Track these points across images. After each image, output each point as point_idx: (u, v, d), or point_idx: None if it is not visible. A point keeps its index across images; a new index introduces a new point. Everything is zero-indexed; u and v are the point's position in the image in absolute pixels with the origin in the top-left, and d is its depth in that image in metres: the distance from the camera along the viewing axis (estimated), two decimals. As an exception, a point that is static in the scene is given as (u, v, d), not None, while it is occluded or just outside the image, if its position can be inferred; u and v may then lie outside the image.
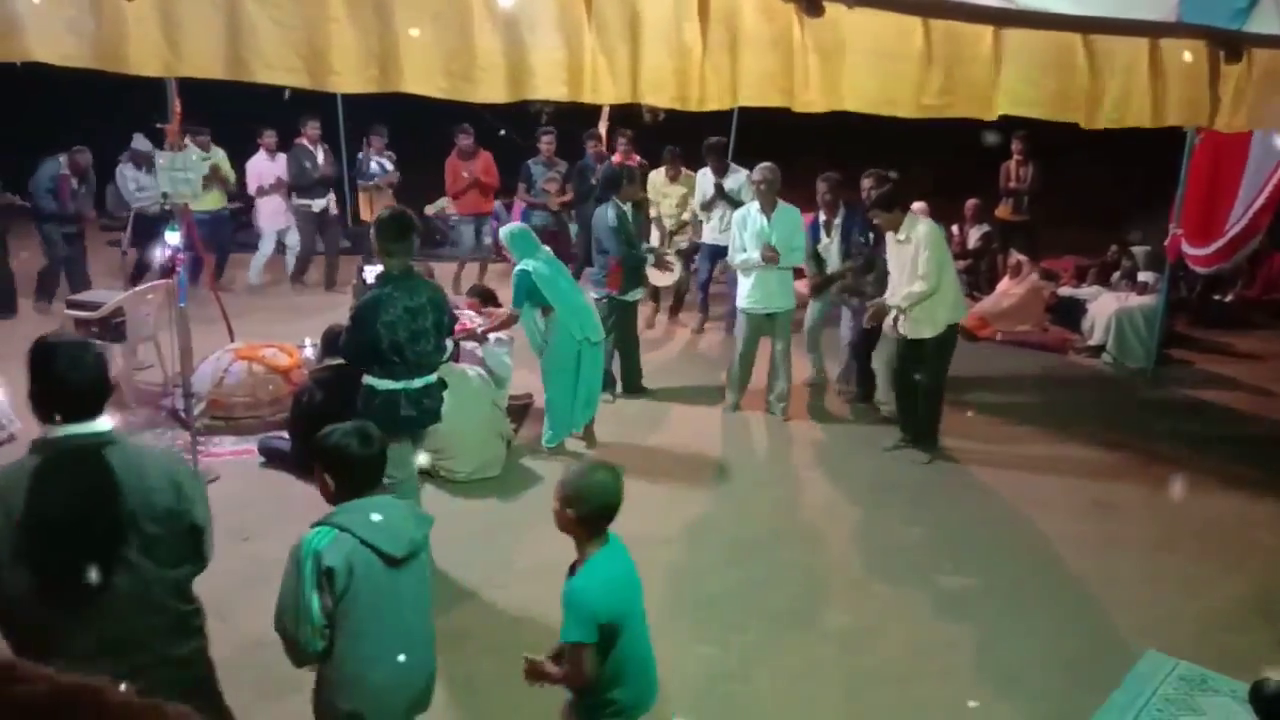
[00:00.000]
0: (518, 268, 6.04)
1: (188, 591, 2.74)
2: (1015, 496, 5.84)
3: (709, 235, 8.79)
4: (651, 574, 4.78)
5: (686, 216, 9.27)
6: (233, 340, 7.05)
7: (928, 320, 6.01)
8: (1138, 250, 9.64)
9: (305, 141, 10.08)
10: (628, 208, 7.03)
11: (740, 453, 6.41)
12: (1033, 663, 4.16)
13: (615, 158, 9.55)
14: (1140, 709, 3.85)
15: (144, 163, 9.68)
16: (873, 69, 5.17)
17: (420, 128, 10.04)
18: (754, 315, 6.86)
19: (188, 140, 7.19)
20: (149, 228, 9.94)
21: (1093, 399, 7.90)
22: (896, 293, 6.10)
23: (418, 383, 4.45)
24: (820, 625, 4.43)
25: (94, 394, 2.46)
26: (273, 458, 5.91)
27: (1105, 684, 4.00)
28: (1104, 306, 9.02)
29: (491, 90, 4.92)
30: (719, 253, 8.38)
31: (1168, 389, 8.11)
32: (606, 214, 6.90)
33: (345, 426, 2.90)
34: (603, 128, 11.07)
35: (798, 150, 9.04)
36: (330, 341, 5.91)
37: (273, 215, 10.25)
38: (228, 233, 10.49)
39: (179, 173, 5.34)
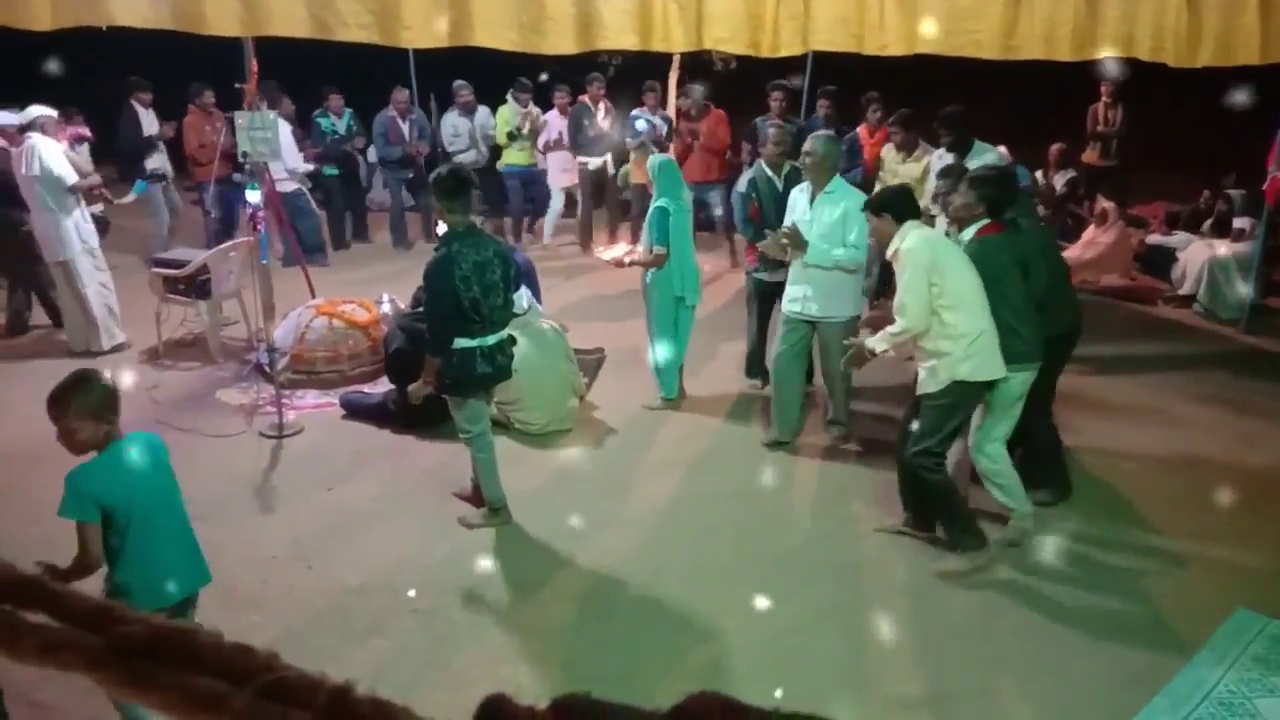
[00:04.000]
0: (657, 204, 5.87)
1: None
2: (1100, 450, 5.68)
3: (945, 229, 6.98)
4: (721, 528, 4.83)
5: (924, 203, 7.56)
6: (313, 297, 7.21)
7: (928, 373, 4.32)
8: (1233, 194, 9.21)
9: (586, 100, 10.03)
10: (769, 172, 5.98)
11: (817, 413, 6.34)
12: (1115, 620, 4.08)
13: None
14: (1228, 668, 3.75)
15: (466, 110, 10.15)
16: (952, 9, 4.99)
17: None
18: (789, 320, 5.54)
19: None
20: None
21: (1182, 351, 7.62)
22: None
23: (491, 339, 4.50)
24: (892, 580, 4.39)
25: None
26: (354, 411, 6.06)
27: (1192, 643, 3.90)
28: (1195, 254, 8.66)
29: (562, 42, 4.91)
30: None
31: (1262, 340, 7.78)
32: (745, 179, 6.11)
33: None
34: (673, 78, 10.93)
35: (873, 90, 8.76)
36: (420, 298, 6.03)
37: (560, 173, 10.32)
38: (539, 189, 10.68)
39: (258, 132, 5.44)
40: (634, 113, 9.76)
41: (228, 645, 0.64)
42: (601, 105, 10.01)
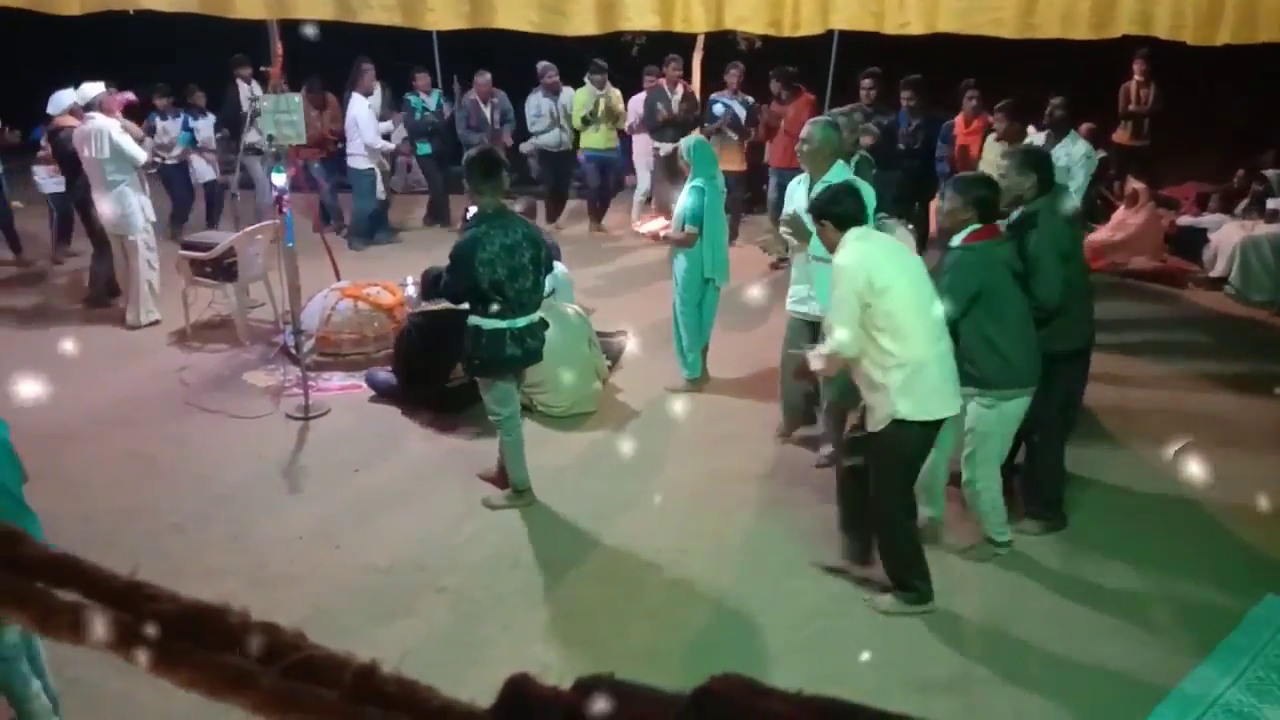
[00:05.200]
0: (692, 184, 5.87)
1: None
2: (1129, 434, 5.63)
3: None
4: (745, 509, 4.83)
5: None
6: (339, 279, 7.25)
7: (870, 410, 3.82)
8: (1270, 174, 9.04)
9: (663, 83, 9.71)
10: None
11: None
12: (1143, 605, 4.05)
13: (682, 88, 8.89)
14: (1256, 654, 3.71)
15: (551, 91, 10.10)
16: None
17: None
18: (792, 320, 5.21)
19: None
20: (550, 161, 10.44)
21: (1213, 333, 7.52)
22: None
23: (521, 322, 4.50)
24: (918, 562, 4.38)
25: None
26: (379, 389, 6.10)
27: (1220, 628, 3.87)
28: (1227, 236, 8.53)
29: (583, 23, 4.89)
30: None
31: (1297, 323, 7.68)
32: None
33: None
34: (697, 58, 10.83)
35: (902, 72, 8.65)
36: (430, 283, 6.00)
37: (643, 155, 10.12)
38: (616, 172, 10.51)
39: (283, 115, 5.46)
40: (713, 96, 9.53)
41: (255, 624, 0.64)
42: (680, 87, 9.65)
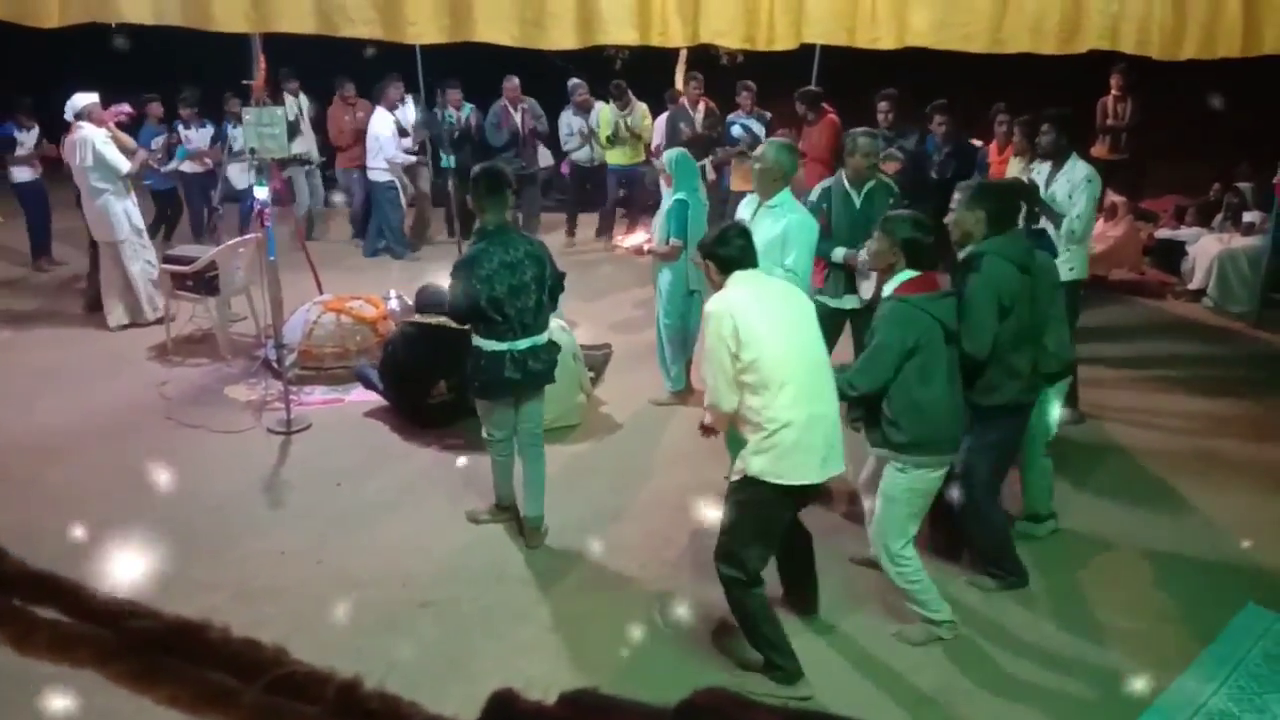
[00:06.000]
0: (675, 198, 5.88)
1: None
2: (1111, 445, 5.67)
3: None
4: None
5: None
6: (321, 293, 7.22)
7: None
8: (1244, 186, 9.15)
9: (685, 102, 9.69)
10: (848, 185, 5.27)
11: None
12: (1125, 616, 4.06)
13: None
14: (1237, 663, 3.74)
15: (582, 108, 10.13)
16: (943, 1, 5.03)
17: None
18: None
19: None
20: (580, 176, 10.48)
21: (1193, 345, 7.58)
22: None
23: (523, 344, 4.36)
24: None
25: None
26: (367, 384, 6.08)
27: (1201, 637, 3.89)
28: (1205, 248, 8.63)
29: (563, 36, 4.93)
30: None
31: (1273, 334, 7.74)
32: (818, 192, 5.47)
33: None
34: (680, 72, 10.90)
35: (883, 86, 8.71)
36: (423, 301, 5.97)
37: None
38: (637, 188, 10.40)
39: (265, 128, 5.45)
40: (730, 117, 9.46)
41: (236, 639, 0.64)
42: (700, 106, 9.60)
